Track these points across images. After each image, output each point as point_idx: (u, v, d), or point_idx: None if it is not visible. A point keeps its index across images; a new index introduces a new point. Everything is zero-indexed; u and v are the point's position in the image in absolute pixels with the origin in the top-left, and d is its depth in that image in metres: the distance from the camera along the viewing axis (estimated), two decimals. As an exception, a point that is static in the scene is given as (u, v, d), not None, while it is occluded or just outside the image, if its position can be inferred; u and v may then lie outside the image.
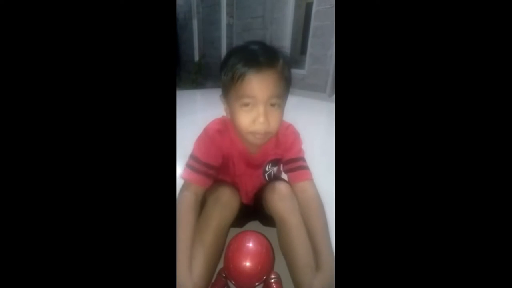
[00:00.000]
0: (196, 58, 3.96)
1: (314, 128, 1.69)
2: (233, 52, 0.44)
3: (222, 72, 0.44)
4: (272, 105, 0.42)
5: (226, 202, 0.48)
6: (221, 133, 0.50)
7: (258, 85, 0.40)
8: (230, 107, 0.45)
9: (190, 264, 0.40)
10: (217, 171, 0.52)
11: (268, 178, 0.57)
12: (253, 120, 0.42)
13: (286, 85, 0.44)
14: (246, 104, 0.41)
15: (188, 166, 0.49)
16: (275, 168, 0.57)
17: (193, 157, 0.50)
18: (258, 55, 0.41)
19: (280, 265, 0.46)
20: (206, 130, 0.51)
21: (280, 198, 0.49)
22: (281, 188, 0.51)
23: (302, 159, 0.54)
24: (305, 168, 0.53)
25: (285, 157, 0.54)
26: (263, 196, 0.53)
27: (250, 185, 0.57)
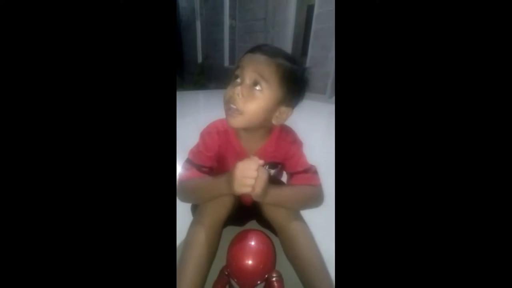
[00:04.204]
0: (199, 59, 3.97)
1: (314, 129, 1.69)
2: None
3: None
4: (256, 84, 0.42)
5: (217, 199, 0.48)
6: (219, 133, 0.51)
7: (248, 59, 0.44)
8: None
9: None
10: (211, 170, 0.53)
11: None
12: (232, 90, 0.42)
13: (278, 73, 0.42)
14: (236, 77, 0.44)
15: (182, 167, 0.53)
16: (272, 171, 0.57)
17: (187, 159, 0.53)
18: (262, 45, 0.45)
19: (281, 264, 0.47)
20: (205, 129, 0.53)
21: (275, 207, 0.49)
22: None
23: (310, 169, 0.54)
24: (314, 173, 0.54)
25: (291, 168, 0.54)
26: (259, 205, 0.53)
27: None
